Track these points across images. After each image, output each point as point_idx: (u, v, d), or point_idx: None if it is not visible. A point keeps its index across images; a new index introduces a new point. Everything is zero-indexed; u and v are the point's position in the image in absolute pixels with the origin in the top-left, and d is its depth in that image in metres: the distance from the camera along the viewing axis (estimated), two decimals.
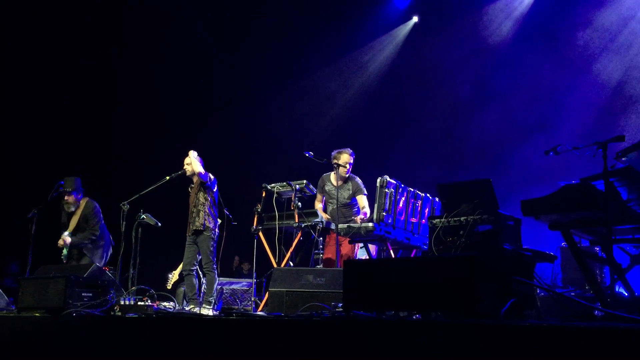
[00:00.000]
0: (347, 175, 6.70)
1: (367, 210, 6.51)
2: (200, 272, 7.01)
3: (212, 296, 6.47)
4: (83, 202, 7.17)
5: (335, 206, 6.50)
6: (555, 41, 9.45)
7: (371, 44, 11.15)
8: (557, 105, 9.21)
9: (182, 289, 7.98)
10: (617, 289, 4.44)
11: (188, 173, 6.80)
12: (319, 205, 6.83)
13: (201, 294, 6.93)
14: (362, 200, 6.64)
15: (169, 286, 8.22)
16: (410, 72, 10.74)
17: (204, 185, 6.70)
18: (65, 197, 7.03)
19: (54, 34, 9.98)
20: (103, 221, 7.20)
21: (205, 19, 10.83)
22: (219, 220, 6.89)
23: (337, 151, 6.69)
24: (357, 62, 11.25)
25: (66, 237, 6.90)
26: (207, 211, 6.65)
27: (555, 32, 9.47)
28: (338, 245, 6.22)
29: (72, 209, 7.06)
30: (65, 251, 6.98)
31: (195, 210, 6.65)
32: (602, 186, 4.04)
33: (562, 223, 4.26)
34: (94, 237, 7.06)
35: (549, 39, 9.52)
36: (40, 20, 9.92)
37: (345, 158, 6.62)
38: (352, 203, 6.69)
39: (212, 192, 6.77)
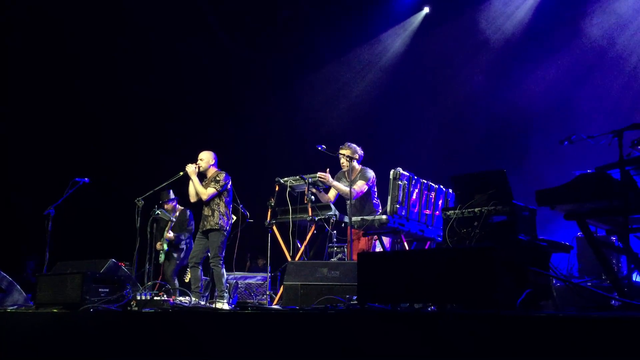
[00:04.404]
0: (359, 169, 6.69)
1: (357, 191, 6.45)
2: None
3: (223, 290, 6.47)
4: (179, 209, 8.26)
5: (350, 202, 6.52)
6: (571, 28, 9.31)
7: (383, 36, 11.09)
8: (572, 94, 9.10)
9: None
10: (634, 279, 4.41)
11: (201, 169, 6.81)
12: (328, 195, 6.82)
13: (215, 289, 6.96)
14: (358, 184, 6.56)
15: (187, 279, 8.26)
16: (423, 62, 10.67)
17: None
18: (165, 207, 8.09)
19: (68, 31, 10.06)
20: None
21: (219, 13, 10.84)
22: (234, 217, 6.90)
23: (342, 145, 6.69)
24: (369, 54, 11.19)
25: (169, 233, 7.94)
26: (222, 211, 6.66)
27: (571, 18, 9.34)
28: (351, 237, 6.21)
29: (172, 215, 8.08)
30: (162, 256, 7.91)
31: (209, 209, 6.65)
32: (617, 175, 3.99)
33: (578, 213, 4.22)
34: (189, 235, 8.07)
35: (564, 26, 9.40)
36: (51, 18, 9.99)
37: (344, 152, 6.59)
38: (366, 196, 6.67)
39: (227, 191, 6.76)
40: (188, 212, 8.19)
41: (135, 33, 10.45)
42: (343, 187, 6.49)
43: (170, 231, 7.96)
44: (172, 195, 8.22)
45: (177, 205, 8.31)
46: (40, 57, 10.25)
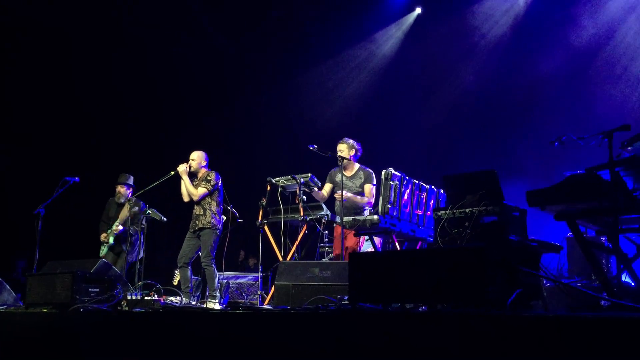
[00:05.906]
0: (358, 166, 6.73)
1: (371, 200, 6.54)
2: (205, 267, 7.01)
3: (215, 290, 6.46)
4: (132, 200, 7.59)
5: (340, 202, 6.54)
6: (562, 29, 9.36)
7: (376, 35, 11.12)
8: (563, 95, 9.15)
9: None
10: (623, 279, 4.43)
11: (192, 169, 6.79)
12: (321, 192, 6.82)
13: (207, 289, 6.94)
14: (367, 189, 6.64)
15: (175, 282, 8.24)
16: (415, 62, 10.70)
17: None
18: (118, 188, 7.73)
19: (63, 31, 10.01)
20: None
21: (212, 10, 10.81)
22: (224, 217, 6.89)
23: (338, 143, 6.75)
24: (362, 53, 11.22)
25: (118, 226, 7.54)
26: (214, 209, 6.65)
27: (561, 19, 9.38)
28: (343, 238, 6.22)
29: (122, 200, 7.65)
30: (104, 249, 7.53)
31: (201, 208, 6.63)
32: (607, 176, 4.01)
33: (568, 213, 4.24)
34: (137, 231, 7.51)
35: (555, 26, 9.44)
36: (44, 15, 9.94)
37: (341, 147, 6.64)
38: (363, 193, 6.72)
39: (218, 191, 6.75)
40: (141, 205, 7.64)
41: (129, 34, 10.40)
42: (359, 199, 6.58)
43: (120, 225, 7.58)
44: (130, 181, 7.85)
45: (132, 196, 7.67)
46: (37, 56, 10.19)
